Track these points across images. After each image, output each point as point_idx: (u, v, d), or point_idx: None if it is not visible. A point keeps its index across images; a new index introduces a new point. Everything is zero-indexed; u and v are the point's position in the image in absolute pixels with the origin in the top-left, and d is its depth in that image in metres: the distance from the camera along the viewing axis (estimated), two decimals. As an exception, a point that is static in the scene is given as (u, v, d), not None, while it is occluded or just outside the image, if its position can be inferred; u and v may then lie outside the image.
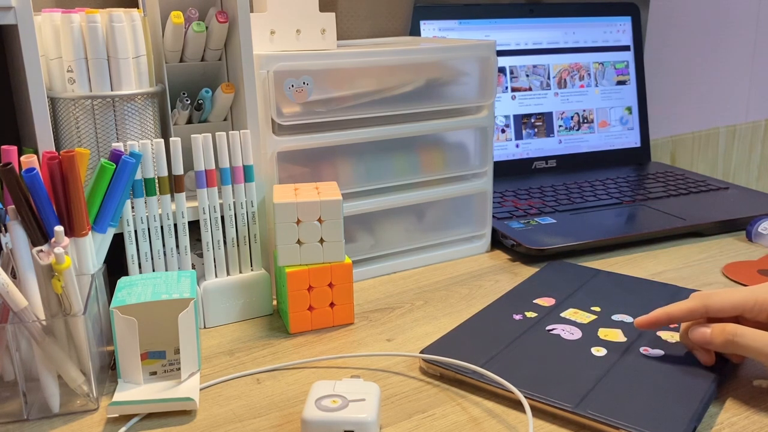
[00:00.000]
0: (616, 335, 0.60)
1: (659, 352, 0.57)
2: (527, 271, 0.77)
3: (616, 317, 0.63)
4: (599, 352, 0.57)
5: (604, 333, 0.60)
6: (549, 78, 1.10)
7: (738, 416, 0.50)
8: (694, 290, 0.68)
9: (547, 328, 0.61)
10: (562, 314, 0.64)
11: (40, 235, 0.52)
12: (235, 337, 0.64)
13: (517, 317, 0.64)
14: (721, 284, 0.72)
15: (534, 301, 0.67)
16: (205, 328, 0.66)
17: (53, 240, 0.52)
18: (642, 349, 0.57)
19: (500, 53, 1.05)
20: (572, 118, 1.12)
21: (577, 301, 0.67)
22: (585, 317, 0.63)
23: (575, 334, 0.60)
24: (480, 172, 0.81)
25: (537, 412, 0.51)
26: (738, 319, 0.54)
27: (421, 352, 0.57)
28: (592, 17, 1.13)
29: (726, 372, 0.54)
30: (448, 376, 0.56)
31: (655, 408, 0.49)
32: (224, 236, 0.66)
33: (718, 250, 0.83)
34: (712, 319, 0.54)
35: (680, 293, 0.67)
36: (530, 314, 0.64)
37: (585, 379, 0.53)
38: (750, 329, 0.51)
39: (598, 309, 0.65)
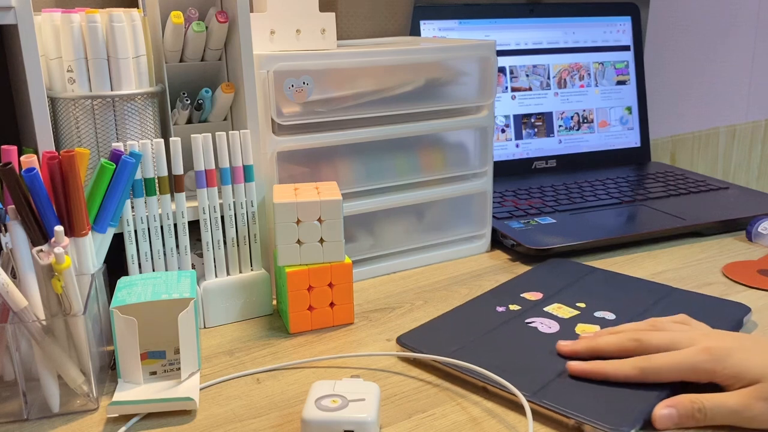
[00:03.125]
0: (592, 331, 0.60)
1: None
2: (527, 271, 0.77)
3: (598, 314, 0.63)
4: None
5: (581, 328, 0.61)
6: (549, 78, 1.10)
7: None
8: (690, 291, 0.68)
9: (526, 321, 0.62)
10: (546, 308, 0.65)
11: (40, 235, 0.52)
12: (235, 337, 0.64)
13: (500, 309, 0.64)
14: (721, 284, 0.72)
15: (521, 295, 0.68)
16: (205, 328, 0.66)
17: (53, 240, 0.52)
18: None
19: (500, 53, 1.05)
20: (572, 118, 1.12)
21: (564, 297, 0.67)
22: (568, 312, 0.64)
23: (552, 327, 0.61)
24: (480, 172, 0.81)
25: (506, 402, 0.52)
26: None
27: (399, 339, 0.59)
28: (592, 17, 1.13)
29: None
30: (422, 361, 0.57)
31: (609, 402, 0.50)
32: (224, 236, 0.66)
33: (718, 250, 0.83)
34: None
35: (673, 294, 0.67)
36: (513, 307, 0.65)
37: (548, 370, 0.54)
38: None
39: (582, 305, 0.65)
